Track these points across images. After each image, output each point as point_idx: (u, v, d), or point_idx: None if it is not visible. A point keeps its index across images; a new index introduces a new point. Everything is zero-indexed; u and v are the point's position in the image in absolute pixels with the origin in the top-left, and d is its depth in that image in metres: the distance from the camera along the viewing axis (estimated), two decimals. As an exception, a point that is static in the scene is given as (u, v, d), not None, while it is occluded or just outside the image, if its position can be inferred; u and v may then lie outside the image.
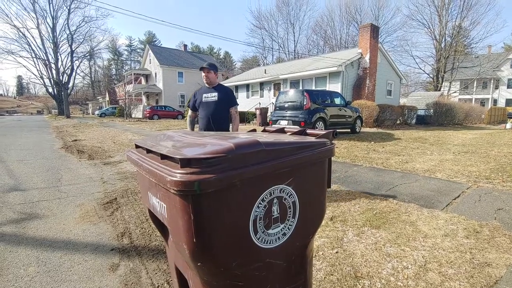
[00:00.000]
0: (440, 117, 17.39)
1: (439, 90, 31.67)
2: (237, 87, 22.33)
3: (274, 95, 17.99)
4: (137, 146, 1.16)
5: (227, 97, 3.20)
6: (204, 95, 3.18)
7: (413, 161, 5.82)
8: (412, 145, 8.06)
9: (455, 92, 35.85)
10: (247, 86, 21.58)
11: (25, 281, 1.92)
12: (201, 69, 3.11)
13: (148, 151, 1.00)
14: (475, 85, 37.48)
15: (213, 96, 3.12)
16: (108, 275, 2.00)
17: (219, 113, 3.16)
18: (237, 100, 3.40)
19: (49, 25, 32.65)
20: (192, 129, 3.46)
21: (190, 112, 3.44)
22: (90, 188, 4.07)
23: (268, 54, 52.07)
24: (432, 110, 17.79)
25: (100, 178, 4.66)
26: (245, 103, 20.77)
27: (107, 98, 46.51)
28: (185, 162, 0.72)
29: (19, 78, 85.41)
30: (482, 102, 36.79)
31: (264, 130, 1.51)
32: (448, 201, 3.37)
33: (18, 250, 2.33)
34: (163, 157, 0.84)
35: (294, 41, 49.02)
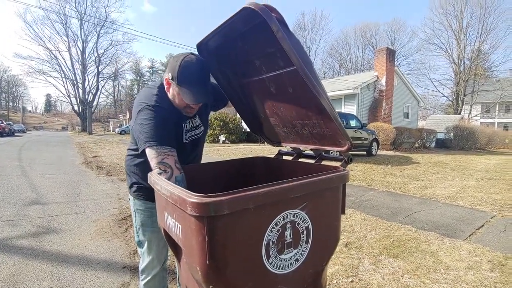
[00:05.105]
0: (461, 141, 16.84)
1: (459, 114, 30.89)
2: (252, 107, 22.64)
3: (289, 116, 18.06)
4: (155, 166, 1.20)
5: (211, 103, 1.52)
6: (184, 124, 1.36)
7: (433, 186, 5.60)
8: (432, 170, 7.80)
9: (476, 115, 34.84)
10: (262, 107, 21.85)
11: (39, 296, 1.94)
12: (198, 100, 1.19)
13: (166, 171, 1.04)
14: (497, 108, 36.27)
15: (197, 126, 1.44)
16: (119, 294, 1.99)
17: (202, 149, 1.58)
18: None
19: (79, 48, 35.07)
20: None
21: (171, 158, 1.11)
22: (107, 204, 4.16)
23: (283, 76, 52.93)
24: (452, 134, 17.28)
25: (117, 194, 4.76)
26: (260, 123, 20.90)
27: (128, 116, 48.36)
28: (201, 184, 0.74)
29: (48, 96, 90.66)
30: (506, 127, 35.39)
31: (278, 153, 1.52)
32: (472, 231, 3.20)
33: (34, 264, 2.38)
34: (180, 178, 0.87)
35: (310, 63, 49.78)
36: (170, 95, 1.23)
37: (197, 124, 1.43)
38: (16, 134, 29.76)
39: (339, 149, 1.16)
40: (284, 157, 1.50)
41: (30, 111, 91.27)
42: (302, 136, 1.31)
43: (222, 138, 18.02)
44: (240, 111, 1.52)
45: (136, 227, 1.40)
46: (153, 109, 1.17)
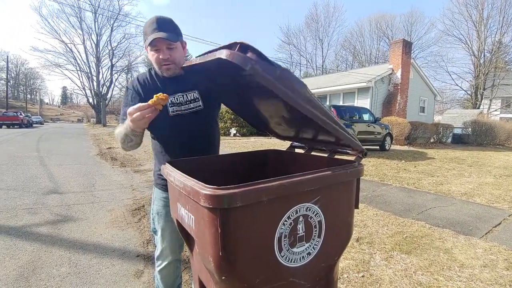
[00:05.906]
0: (479, 137, 16.27)
1: (478, 108, 29.82)
2: (263, 100, 22.52)
3: (301, 110, 17.87)
4: (168, 158, 1.21)
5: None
6: (172, 96, 1.30)
7: (448, 183, 5.46)
8: (448, 166, 7.59)
9: (496, 110, 33.54)
10: (273, 100, 21.70)
11: (56, 281, 2.02)
12: (152, 42, 1.20)
13: (179, 163, 1.04)
14: (518, 103, 34.76)
15: (192, 100, 1.34)
16: (133, 281, 2.05)
17: (208, 131, 1.43)
18: None
19: (93, 41, 35.54)
20: None
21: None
22: (121, 194, 4.26)
23: (295, 69, 52.30)
24: (470, 129, 16.71)
25: (130, 185, 4.86)
26: (271, 116, 20.81)
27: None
28: (215, 176, 0.74)
29: (64, 88, 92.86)
30: (527, 122, 33.92)
31: (291, 146, 1.51)
32: (488, 229, 3.11)
33: (53, 250, 2.48)
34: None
35: (323, 56, 49.00)
36: (152, 61, 1.32)
37: (193, 98, 1.35)
38: (34, 125, 30.72)
39: (350, 151, 1.14)
40: (297, 150, 1.48)
41: (47, 103, 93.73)
42: (312, 139, 1.28)
43: (233, 131, 18.06)
44: (244, 116, 1.52)
45: (152, 214, 1.45)
46: (125, 90, 1.39)
